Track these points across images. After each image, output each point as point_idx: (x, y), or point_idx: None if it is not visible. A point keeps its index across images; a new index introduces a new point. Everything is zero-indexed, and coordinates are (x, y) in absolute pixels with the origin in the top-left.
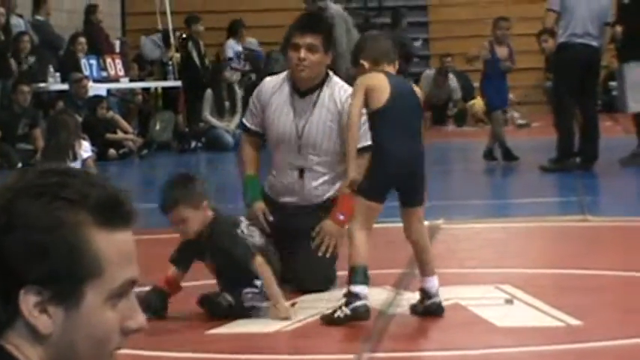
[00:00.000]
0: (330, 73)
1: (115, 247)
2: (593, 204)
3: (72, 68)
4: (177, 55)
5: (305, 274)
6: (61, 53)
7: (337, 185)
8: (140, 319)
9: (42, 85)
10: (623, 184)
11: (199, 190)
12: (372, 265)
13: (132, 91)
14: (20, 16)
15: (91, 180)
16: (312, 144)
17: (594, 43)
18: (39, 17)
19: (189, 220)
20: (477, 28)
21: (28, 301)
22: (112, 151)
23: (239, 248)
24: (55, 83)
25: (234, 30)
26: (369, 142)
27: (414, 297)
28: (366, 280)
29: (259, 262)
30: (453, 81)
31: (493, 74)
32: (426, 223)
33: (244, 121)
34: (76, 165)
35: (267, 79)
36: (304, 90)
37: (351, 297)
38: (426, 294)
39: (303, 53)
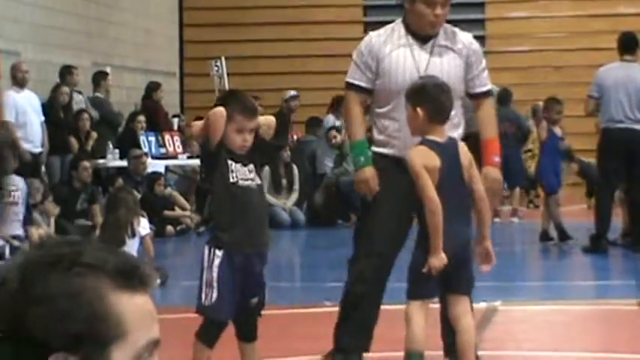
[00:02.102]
0: None
1: (136, 309)
2: None
3: (131, 145)
4: None
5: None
6: (119, 130)
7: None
8: None
9: (101, 161)
10: None
11: None
12: (433, 344)
13: (193, 168)
14: (80, 92)
15: (106, 247)
16: None
17: (637, 127)
18: (98, 94)
19: None
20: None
21: None
22: (169, 228)
23: None
24: (113, 160)
25: (336, 105)
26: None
27: None
28: None
29: None
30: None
31: (551, 156)
32: (483, 304)
33: (350, 80)
34: (135, 242)
35: (372, 34)
36: (424, 36)
37: None
38: None
39: (439, 9)
